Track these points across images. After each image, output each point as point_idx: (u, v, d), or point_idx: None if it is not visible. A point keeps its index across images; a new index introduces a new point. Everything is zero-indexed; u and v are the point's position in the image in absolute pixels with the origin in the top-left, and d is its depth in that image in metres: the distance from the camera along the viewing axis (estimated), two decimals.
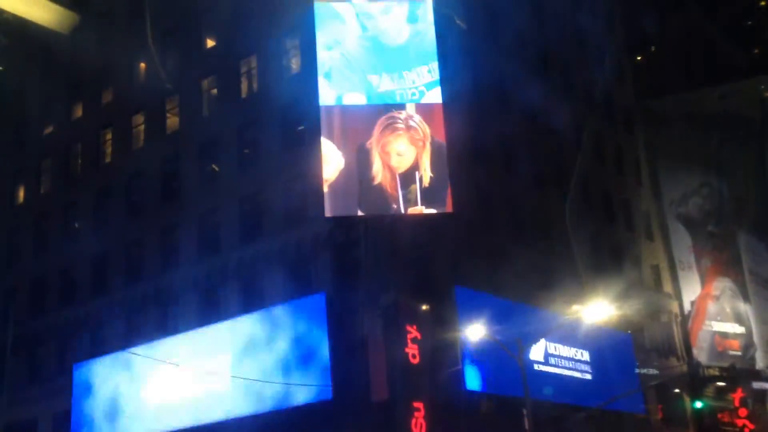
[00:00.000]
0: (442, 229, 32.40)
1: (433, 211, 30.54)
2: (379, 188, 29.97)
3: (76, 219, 44.63)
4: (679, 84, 61.64)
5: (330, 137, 31.01)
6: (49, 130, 48.33)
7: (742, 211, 59.00)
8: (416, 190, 29.40)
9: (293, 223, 33.43)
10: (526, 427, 27.70)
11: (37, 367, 42.14)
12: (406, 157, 29.92)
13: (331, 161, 30.32)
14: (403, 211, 30.12)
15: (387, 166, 30.12)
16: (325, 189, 30.48)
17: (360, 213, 30.29)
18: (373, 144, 30.52)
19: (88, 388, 38.66)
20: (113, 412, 37.21)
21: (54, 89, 47.90)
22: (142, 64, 43.23)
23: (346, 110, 31.94)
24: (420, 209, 29.48)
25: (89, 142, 45.00)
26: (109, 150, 44.31)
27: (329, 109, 31.93)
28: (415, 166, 30.05)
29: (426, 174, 29.87)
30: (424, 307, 30.26)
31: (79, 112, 46.60)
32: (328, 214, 30.27)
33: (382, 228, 31.41)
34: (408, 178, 30.06)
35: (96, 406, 38.01)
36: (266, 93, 36.67)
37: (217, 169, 38.38)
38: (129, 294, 38.94)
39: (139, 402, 36.33)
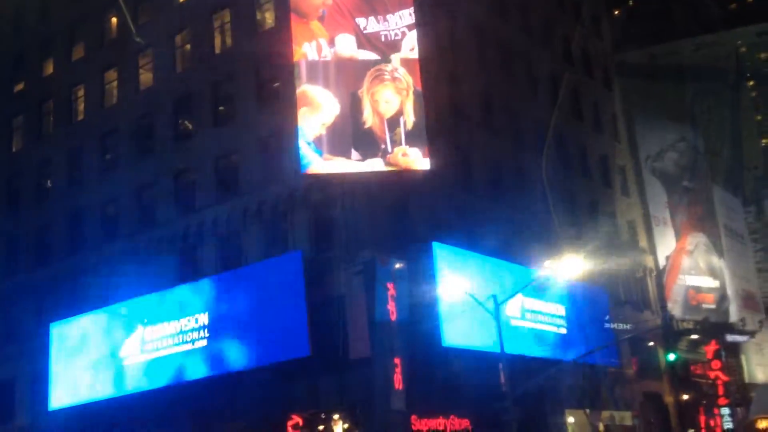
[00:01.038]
0: (419, 186, 32.40)
1: (416, 150, 32.00)
2: (370, 131, 32.35)
3: (49, 177, 44.08)
4: (656, 38, 61.57)
5: (326, 86, 32.51)
6: (20, 87, 47.45)
7: (717, 166, 59.54)
8: (401, 132, 32.30)
9: (269, 181, 33.23)
10: (502, 381, 28.01)
11: (14, 326, 41.89)
12: (392, 104, 32.65)
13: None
14: (390, 150, 32.07)
15: (376, 112, 32.48)
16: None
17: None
18: (364, 92, 32.65)
19: (65, 347, 38.58)
20: (90, 371, 37.18)
21: (25, 45, 46.96)
22: (114, 19, 42.40)
23: (340, 62, 32.67)
24: (404, 149, 32.06)
25: (61, 98, 44.27)
26: (81, 107, 43.63)
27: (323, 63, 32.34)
28: (400, 112, 32.60)
29: (409, 119, 32.46)
30: (398, 265, 30.34)
31: (50, 68, 45.75)
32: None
33: (358, 186, 31.34)
34: (394, 122, 32.56)
35: (73, 364, 37.96)
36: (240, 48, 36.17)
37: (190, 126, 37.96)
38: (104, 252, 38.67)
39: (117, 361, 36.31)
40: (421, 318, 30.51)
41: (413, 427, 29.53)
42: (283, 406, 30.11)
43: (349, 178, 31.38)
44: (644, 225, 51.62)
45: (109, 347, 36.72)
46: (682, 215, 54.35)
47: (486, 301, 28.98)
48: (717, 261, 55.86)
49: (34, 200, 44.06)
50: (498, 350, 28.09)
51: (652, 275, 50.40)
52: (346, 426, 31.03)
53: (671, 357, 44.24)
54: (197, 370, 33.13)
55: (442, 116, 34.63)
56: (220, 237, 34.78)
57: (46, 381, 38.70)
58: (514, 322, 34.42)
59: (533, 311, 36.84)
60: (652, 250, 51.19)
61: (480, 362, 30.70)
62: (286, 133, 32.27)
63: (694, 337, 48.90)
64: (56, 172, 43.55)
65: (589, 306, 41.20)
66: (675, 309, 50.17)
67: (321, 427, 31.24)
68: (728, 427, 47.81)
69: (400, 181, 31.83)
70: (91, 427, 34.57)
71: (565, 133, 44.90)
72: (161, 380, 34.31)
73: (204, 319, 33.65)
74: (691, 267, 53.10)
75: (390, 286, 30.15)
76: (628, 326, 43.55)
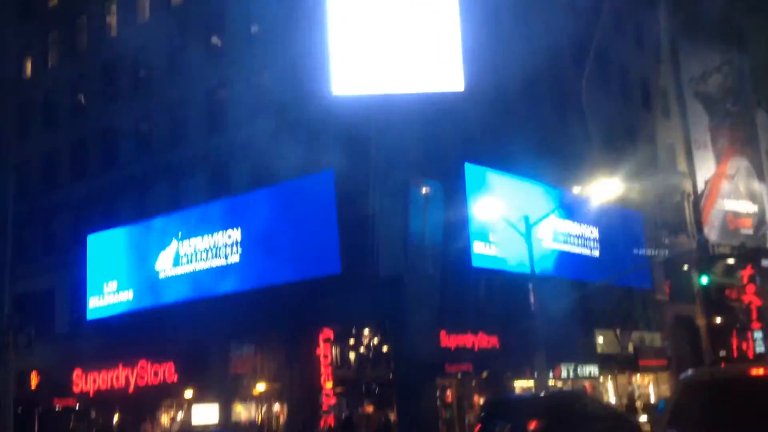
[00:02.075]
0: (453, 106, 31.93)
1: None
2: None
3: (84, 93, 44.25)
4: None
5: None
6: (54, 2, 47.25)
7: (762, 90, 57.78)
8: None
9: (302, 101, 32.98)
10: (531, 301, 28.09)
11: (53, 238, 42.83)
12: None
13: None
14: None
15: (411, 30, 31.76)
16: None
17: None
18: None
19: (101, 259, 39.44)
20: (126, 283, 38.04)
21: None
22: None
23: None
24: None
25: (95, 14, 44.05)
26: (115, 23, 43.40)
27: None
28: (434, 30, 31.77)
29: (444, 37, 31.57)
30: (427, 188, 30.17)
31: None
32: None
33: (391, 105, 31.00)
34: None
35: (109, 276, 38.85)
36: None
37: (220, 44, 37.65)
38: (140, 168, 39.06)
39: (152, 273, 37.06)
40: (452, 238, 30.54)
41: (442, 343, 29.94)
42: (315, 319, 30.60)
43: (382, 98, 31.02)
44: (684, 148, 50.63)
45: (145, 260, 37.42)
46: (724, 139, 53.11)
47: (518, 223, 28.85)
48: (757, 186, 54.77)
49: (69, 116, 44.38)
50: (528, 271, 28.08)
51: (690, 199, 49.68)
52: (375, 340, 31.55)
53: (704, 280, 43.75)
54: (230, 284, 33.69)
55: (478, 37, 33.83)
56: (252, 155, 34.82)
57: (83, 292, 39.73)
58: (545, 244, 34.30)
59: (565, 233, 36.66)
60: (691, 174, 50.31)
61: (510, 282, 30.80)
62: (318, 52, 31.84)
63: (730, 261, 48.25)
64: (91, 88, 43.68)
65: (624, 229, 40.87)
66: (712, 233, 49.50)
67: (351, 341, 31.83)
68: (760, 350, 47.63)
69: (433, 101, 31.40)
70: (127, 337, 35.45)
71: (606, 54, 43.74)
72: (195, 293, 35.00)
73: (237, 235, 34.05)
74: (731, 191, 52.14)
75: (422, 206, 30.13)
76: (663, 250, 43.17)
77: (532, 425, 17.88)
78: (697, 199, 49.93)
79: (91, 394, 38.04)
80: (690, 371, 6.91)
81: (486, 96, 34.20)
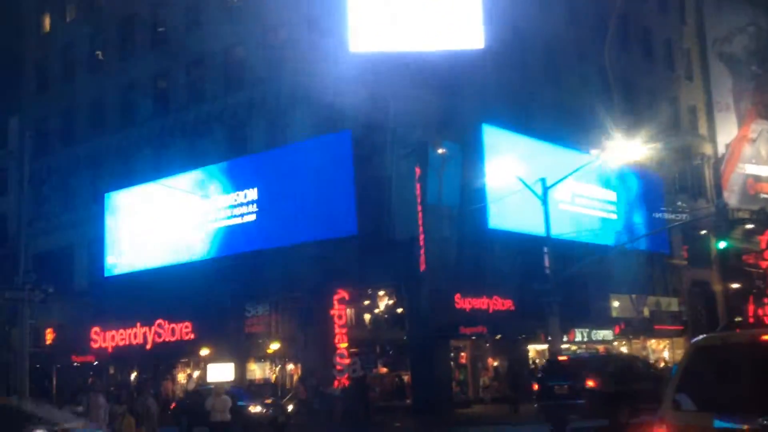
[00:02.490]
0: (471, 66, 31.54)
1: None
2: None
3: (102, 49, 44.13)
4: None
5: None
6: None
7: None
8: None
9: (319, 60, 32.67)
10: (546, 264, 27.95)
11: (71, 195, 43.04)
12: None
13: None
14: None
15: None
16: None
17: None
18: None
19: (119, 216, 39.65)
20: (144, 240, 38.26)
21: None
22: None
23: None
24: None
25: None
26: None
27: None
28: None
29: None
30: (443, 150, 29.91)
31: None
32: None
33: (409, 65, 30.65)
34: None
35: (127, 233, 39.08)
36: None
37: (237, 1, 37.32)
38: (157, 125, 39.05)
39: (169, 231, 37.22)
40: (468, 200, 30.39)
41: (456, 305, 29.97)
42: (330, 280, 30.67)
43: (400, 56, 30.67)
44: (706, 111, 49.90)
45: (162, 218, 37.56)
46: (747, 101, 52.25)
47: (534, 185, 28.61)
48: None
49: (87, 72, 44.29)
50: (544, 234, 27.91)
51: (710, 163, 49.12)
52: (390, 302, 31.63)
53: (722, 245, 43.42)
54: (247, 243, 33.78)
55: None
56: (268, 115, 34.68)
57: (102, 248, 40.02)
58: (562, 206, 34.03)
59: (583, 196, 36.39)
60: (712, 137, 49.66)
61: (526, 245, 30.63)
62: (336, 8, 31.47)
63: (749, 226, 47.82)
64: (108, 44, 43.53)
65: (642, 193, 40.54)
66: (731, 198, 48.95)
67: (366, 302, 31.92)
68: None
69: (452, 60, 31.00)
70: (145, 293, 35.71)
71: (629, 15, 42.98)
72: (212, 251, 35.16)
73: (253, 194, 34.05)
74: (752, 155, 51.43)
75: (438, 167, 29.95)
76: (682, 214, 42.79)
77: (590, 383, 19.20)
78: (718, 162, 49.34)
79: (109, 350, 38.49)
80: (701, 336, 6.82)
81: (506, 56, 33.79)
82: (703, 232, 45.43)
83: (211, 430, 16.17)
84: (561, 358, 24.48)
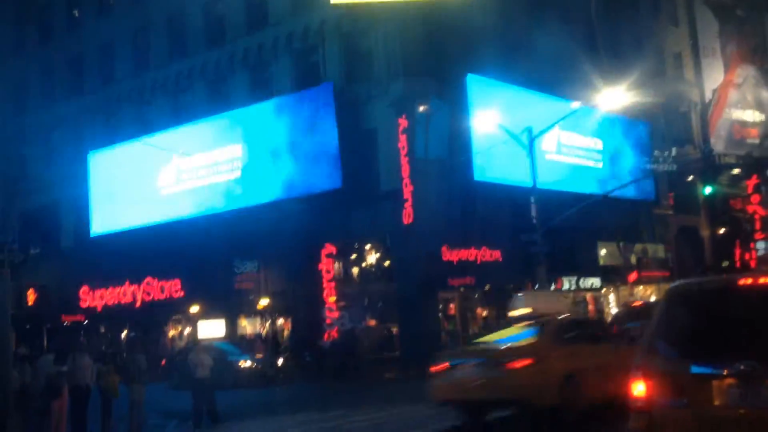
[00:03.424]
0: (455, 14, 31.12)
1: None
2: None
3: (78, 6, 43.34)
4: None
5: None
6: None
7: None
8: None
9: (300, 11, 32.23)
10: (533, 214, 27.93)
11: (54, 154, 42.59)
12: None
13: None
14: None
15: None
16: None
17: None
18: None
19: (103, 175, 39.35)
20: (129, 199, 38.04)
21: None
22: None
23: None
24: None
25: None
26: None
27: None
28: None
29: None
30: (424, 107, 29.55)
31: None
32: None
33: (391, 15, 30.24)
34: None
35: (112, 192, 38.83)
36: None
37: None
38: (137, 83, 38.57)
39: (154, 190, 37.00)
40: (454, 151, 30.23)
41: (444, 257, 29.98)
42: (317, 235, 30.63)
43: (382, 6, 30.22)
44: (692, 56, 49.57)
45: (147, 177, 37.32)
46: (733, 46, 51.88)
47: (521, 135, 28.46)
48: (765, 94, 53.78)
49: (66, 30, 43.57)
50: (530, 184, 27.85)
51: (697, 109, 48.96)
52: (378, 255, 31.66)
53: (708, 190, 43.54)
54: (233, 200, 33.67)
55: None
56: (251, 69, 34.27)
57: (87, 208, 39.79)
58: (548, 157, 33.96)
59: (569, 146, 36.27)
60: (699, 83, 49.43)
61: (513, 196, 30.56)
62: None
63: (735, 171, 47.90)
64: (86, 1, 42.74)
65: (629, 140, 40.46)
66: (718, 144, 48.94)
67: (353, 256, 31.94)
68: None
69: (434, 8, 30.57)
70: (132, 254, 35.61)
71: None
72: (198, 209, 35.00)
73: (237, 150, 33.81)
74: (738, 100, 51.26)
75: (422, 119, 29.72)
76: (668, 161, 42.73)
77: None
78: (705, 108, 49.20)
79: (99, 309, 38.51)
80: (677, 282, 6.79)
81: (491, 3, 33.30)
82: (690, 178, 45.46)
83: (192, 386, 16.28)
84: (635, 303, 25.03)
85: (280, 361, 27.96)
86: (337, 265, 31.50)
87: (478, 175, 30.74)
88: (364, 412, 15.79)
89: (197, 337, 33.53)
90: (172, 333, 37.67)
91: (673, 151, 42.84)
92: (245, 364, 25.97)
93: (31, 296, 40.45)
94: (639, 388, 6.14)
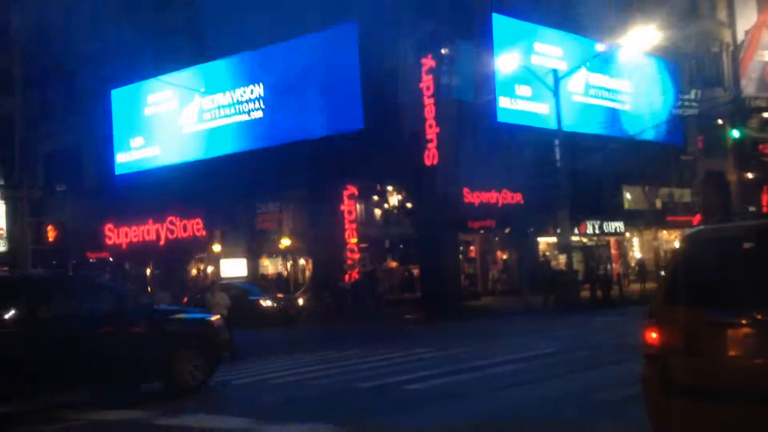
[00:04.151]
0: None
1: None
2: None
3: None
4: None
5: None
6: None
7: None
8: None
9: None
10: (557, 157, 27.65)
11: (76, 94, 42.55)
12: None
13: None
14: None
15: None
16: None
17: None
18: None
19: (126, 114, 39.38)
20: (151, 138, 38.11)
21: None
22: None
23: None
24: None
25: None
26: None
27: None
28: None
29: None
30: (446, 50, 29.00)
31: None
32: None
33: None
34: None
35: (135, 131, 38.90)
36: None
37: None
38: (157, 21, 38.21)
39: (176, 128, 36.99)
40: (478, 92, 29.82)
41: (465, 199, 29.87)
42: (339, 176, 30.56)
43: None
44: None
45: (169, 115, 37.28)
46: None
47: (546, 76, 28.01)
48: None
49: None
50: (555, 127, 27.49)
51: (729, 50, 47.78)
52: (400, 197, 31.58)
53: (736, 134, 42.71)
54: (255, 140, 33.57)
55: None
56: (273, 6, 33.74)
57: (110, 146, 39.93)
58: (576, 98, 33.43)
59: (597, 87, 35.65)
60: (731, 24, 48.14)
61: (537, 138, 30.22)
62: None
63: (766, 115, 46.94)
64: None
65: (658, 82, 39.69)
66: (749, 86, 47.83)
67: (375, 198, 31.90)
68: None
69: None
70: (156, 191, 35.73)
71: None
72: (220, 149, 34.98)
73: (259, 90, 33.61)
74: None
75: (447, 59, 29.28)
76: (697, 103, 41.90)
77: None
78: (736, 50, 48.00)
79: (123, 246, 38.91)
80: (694, 228, 6.62)
81: None
82: (719, 121, 44.62)
83: None
84: None
85: (300, 301, 28.17)
86: (358, 207, 31.48)
87: (502, 117, 30.36)
88: (382, 352, 15.88)
89: (212, 277, 33.92)
90: (194, 271, 38.08)
91: (702, 93, 41.97)
92: (266, 303, 26.19)
93: (51, 233, 40.87)
94: (652, 335, 6.03)
